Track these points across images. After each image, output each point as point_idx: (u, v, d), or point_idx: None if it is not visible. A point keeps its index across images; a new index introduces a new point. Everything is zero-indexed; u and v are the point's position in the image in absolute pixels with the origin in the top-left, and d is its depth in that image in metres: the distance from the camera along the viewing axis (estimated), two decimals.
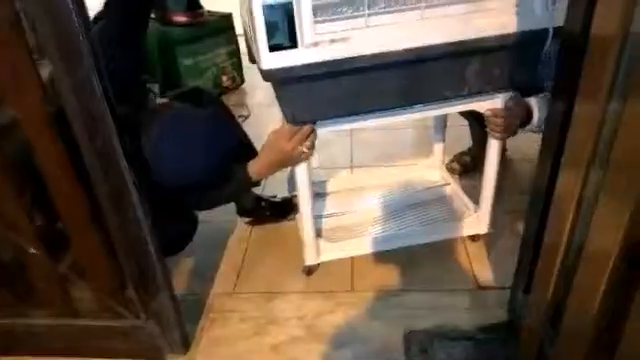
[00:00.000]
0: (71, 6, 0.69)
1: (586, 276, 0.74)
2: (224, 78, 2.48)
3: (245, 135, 1.35)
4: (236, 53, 2.50)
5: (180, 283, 1.28)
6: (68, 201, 0.93)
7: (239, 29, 2.49)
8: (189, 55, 2.28)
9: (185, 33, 2.24)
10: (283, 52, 0.83)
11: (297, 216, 1.39)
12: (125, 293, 1.03)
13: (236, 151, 1.20)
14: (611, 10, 0.61)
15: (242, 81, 2.58)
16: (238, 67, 2.54)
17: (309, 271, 1.25)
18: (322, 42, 0.84)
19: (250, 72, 2.57)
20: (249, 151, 1.28)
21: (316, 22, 0.83)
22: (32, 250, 1.00)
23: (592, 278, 0.71)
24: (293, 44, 0.83)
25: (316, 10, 0.82)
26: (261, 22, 0.80)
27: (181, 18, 2.19)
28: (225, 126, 1.25)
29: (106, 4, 1.18)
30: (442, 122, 1.47)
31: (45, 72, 0.82)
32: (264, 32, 0.81)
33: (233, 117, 1.38)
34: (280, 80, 0.89)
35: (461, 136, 1.68)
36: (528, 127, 1.12)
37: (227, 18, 2.44)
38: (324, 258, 1.23)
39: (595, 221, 0.70)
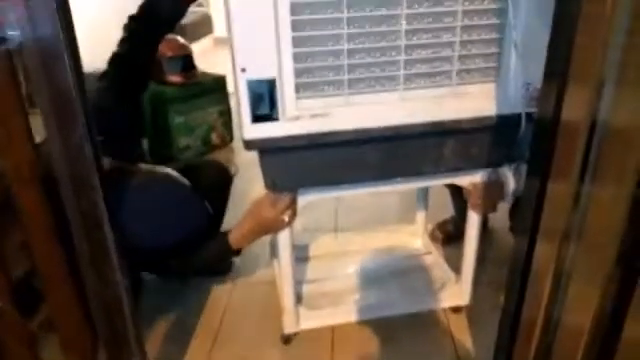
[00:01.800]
0: (70, 80, 0.72)
1: (562, 351, 0.74)
2: (214, 136, 2.53)
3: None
4: (227, 112, 2.57)
5: (153, 348, 1.23)
6: (46, 258, 0.91)
7: (231, 89, 2.58)
8: (181, 113, 2.34)
9: (178, 92, 2.30)
10: (265, 124, 0.87)
11: (278, 281, 1.38)
12: (96, 357, 0.99)
13: (204, 229, 1.24)
14: (578, 100, 0.66)
15: (231, 139, 2.63)
16: (228, 126, 2.60)
17: (287, 339, 1.22)
18: (303, 116, 0.88)
19: (240, 132, 2.62)
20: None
21: (298, 98, 0.87)
22: (3, 305, 0.96)
23: (568, 353, 0.71)
24: (275, 117, 0.86)
25: (298, 87, 0.86)
26: (245, 95, 0.84)
27: (176, 78, 2.26)
28: (198, 207, 1.28)
29: (111, 64, 1.25)
30: (424, 192, 1.50)
31: (38, 134, 0.84)
32: (247, 104, 0.85)
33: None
34: (262, 149, 0.93)
35: (445, 203, 1.71)
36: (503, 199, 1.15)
37: (221, 79, 2.53)
38: (304, 326, 1.20)
39: (570, 295, 0.72)
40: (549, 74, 0.74)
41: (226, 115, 2.57)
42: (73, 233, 0.85)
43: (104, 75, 1.26)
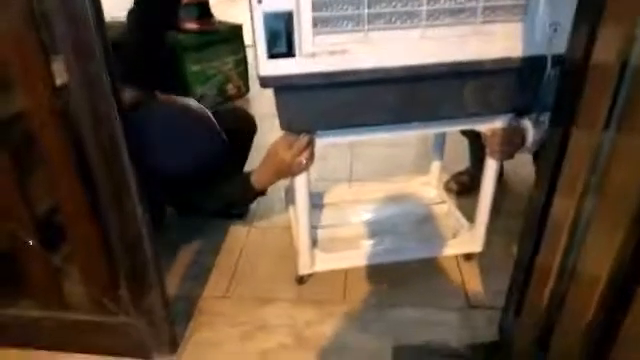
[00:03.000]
0: (88, 9, 0.71)
1: (576, 299, 0.75)
2: (230, 86, 2.51)
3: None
4: (243, 62, 2.54)
5: (172, 283, 1.28)
6: (68, 193, 0.94)
7: (248, 40, 2.54)
8: (196, 62, 2.31)
9: (194, 40, 2.27)
10: (281, 60, 0.85)
11: (293, 225, 1.40)
12: (117, 289, 1.03)
13: (221, 156, 1.25)
14: (611, 40, 0.63)
15: (247, 90, 2.61)
16: (244, 76, 2.57)
17: (301, 280, 1.26)
18: (320, 53, 0.85)
19: (256, 82, 2.60)
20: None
21: (315, 33, 0.84)
22: (29, 240, 1.00)
23: (582, 301, 0.72)
24: (291, 53, 0.84)
25: (316, 22, 0.83)
26: (261, 29, 0.82)
27: (192, 25, 2.22)
28: (216, 134, 1.29)
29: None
30: (441, 140, 1.49)
31: (57, 66, 0.84)
32: (263, 39, 0.83)
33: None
34: (277, 87, 0.91)
35: (460, 155, 1.70)
36: (522, 148, 1.14)
37: (237, 28, 2.49)
38: (318, 268, 1.23)
39: (587, 246, 0.71)
40: (581, 13, 0.71)
41: (242, 65, 2.54)
42: (93, 168, 0.86)
43: (132, 11, 1.25)
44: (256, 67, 0.87)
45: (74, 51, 0.76)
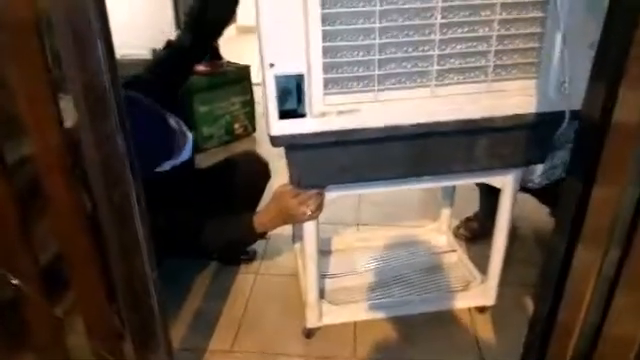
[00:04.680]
0: (103, 67, 0.72)
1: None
2: (236, 126, 2.53)
3: None
4: (250, 102, 2.57)
5: (177, 334, 1.25)
6: (74, 245, 0.92)
7: (255, 79, 2.58)
8: (205, 102, 2.34)
9: (204, 82, 2.31)
10: (292, 120, 0.85)
11: (301, 274, 1.38)
12: (122, 346, 1.01)
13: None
14: (633, 100, 0.63)
15: (254, 129, 2.63)
16: (251, 116, 2.60)
17: (309, 333, 1.22)
18: (331, 113, 0.86)
19: (262, 121, 2.63)
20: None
21: (326, 94, 0.85)
22: (31, 290, 0.98)
23: None
24: (302, 113, 0.85)
25: (327, 83, 0.84)
26: (272, 90, 0.82)
27: (201, 68, 2.27)
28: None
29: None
30: (450, 188, 1.48)
31: (69, 121, 0.84)
32: (274, 100, 0.83)
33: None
34: (288, 146, 0.91)
35: (468, 199, 1.68)
36: (528, 179, 1.12)
37: (245, 69, 2.53)
38: (326, 321, 1.20)
39: (616, 303, 0.69)
40: (599, 72, 0.71)
41: (249, 105, 2.57)
42: (102, 224, 0.85)
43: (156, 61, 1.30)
44: (267, 126, 0.87)
45: (87, 109, 0.76)
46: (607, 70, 0.69)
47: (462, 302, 1.27)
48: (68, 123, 0.84)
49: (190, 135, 1.26)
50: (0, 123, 0.83)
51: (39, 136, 0.83)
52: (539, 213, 1.58)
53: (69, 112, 0.81)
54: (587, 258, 0.74)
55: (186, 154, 1.24)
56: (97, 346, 1.04)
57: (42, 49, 0.76)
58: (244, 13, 1.24)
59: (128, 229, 0.82)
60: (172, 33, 1.31)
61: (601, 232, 0.71)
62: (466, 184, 1.58)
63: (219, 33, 1.24)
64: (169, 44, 1.27)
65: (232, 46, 3.65)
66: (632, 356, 0.64)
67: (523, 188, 1.26)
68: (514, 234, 1.65)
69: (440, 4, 0.81)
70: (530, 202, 1.43)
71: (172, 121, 1.22)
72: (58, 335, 1.05)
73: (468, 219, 1.67)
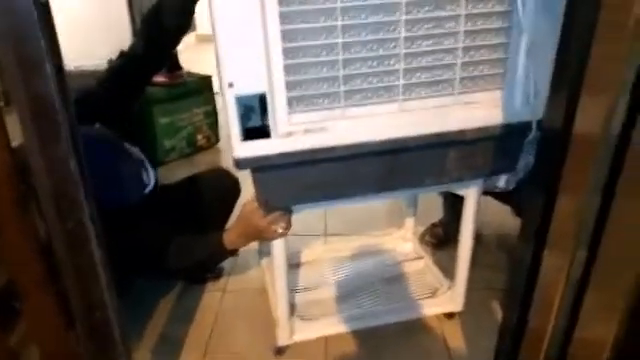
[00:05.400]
0: (52, 88, 0.68)
1: None
2: (199, 137, 2.48)
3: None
4: (213, 112, 2.53)
5: (144, 358, 1.20)
6: (27, 273, 0.87)
7: (217, 88, 2.53)
8: (166, 114, 2.28)
9: (163, 93, 2.25)
10: (256, 141, 0.82)
11: (269, 290, 1.36)
12: None
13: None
14: (592, 109, 0.65)
15: (217, 140, 2.58)
16: (214, 127, 2.55)
17: (280, 351, 1.20)
18: (297, 132, 0.83)
19: (225, 131, 2.58)
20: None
21: (291, 112, 0.82)
22: None
23: None
24: (267, 134, 0.82)
25: (291, 101, 0.82)
26: (233, 111, 0.79)
27: (161, 79, 2.21)
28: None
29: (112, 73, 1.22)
30: (413, 196, 1.49)
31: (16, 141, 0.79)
32: (236, 121, 0.80)
33: None
34: (254, 168, 0.88)
35: (432, 206, 1.70)
36: (492, 184, 1.14)
37: (206, 79, 2.49)
38: (297, 338, 1.18)
39: (586, 307, 0.70)
40: (559, 83, 0.73)
41: (212, 116, 2.52)
42: (56, 250, 0.81)
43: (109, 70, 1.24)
44: (231, 148, 0.84)
45: (36, 132, 0.71)
46: (567, 80, 0.71)
47: (431, 309, 1.29)
48: (15, 142, 0.79)
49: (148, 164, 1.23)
50: None
51: None
52: (501, 217, 1.62)
53: (17, 130, 0.76)
54: (554, 264, 0.76)
55: (152, 181, 1.22)
56: None
57: None
58: (203, 22, 1.21)
59: (84, 256, 0.78)
60: (128, 42, 1.25)
61: (567, 238, 0.72)
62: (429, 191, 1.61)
63: (175, 42, 1.20)
64: (122, 54, 1.22)
65: (192, 55, 3.59)
66: (604, 359, 0.65)
67: (486, 192, 1.29)
68: (478, 239, 1.68)
69: (404, 17, 0.80)
70: (492, 206, 1.46)
71: (134, 150, 1.19)
72: None
73: (433, 225, 1.70)
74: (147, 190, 1.22)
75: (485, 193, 1.28)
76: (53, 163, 0.72)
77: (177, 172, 2.07)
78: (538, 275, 0.82)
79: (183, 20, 1.13)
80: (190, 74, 2.46)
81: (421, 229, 1.67)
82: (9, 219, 0.80)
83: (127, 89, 1.24)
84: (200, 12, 1.16)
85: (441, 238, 1.65)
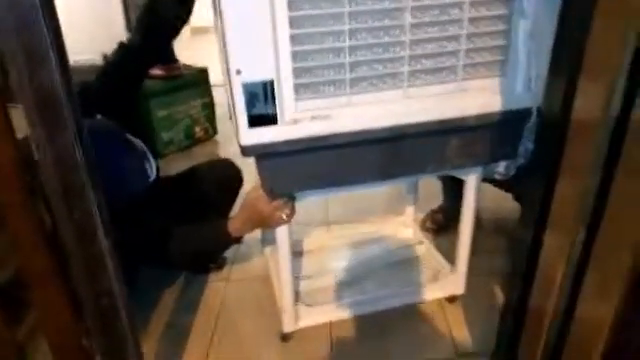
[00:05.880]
0: (57, 80, 0.68)
1: (578, 346, 0.74)
2: (197, 129, 2.48)
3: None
4: (210, 105, 2.52)
5: (149, 349, 1.21)
6: (34, 264, 0.88)
7: (214, 80, 2.53)
8: (163, 107, 2.28)
9: (160, 85, 2.25)
10: (263, 128, 0.83)
11: (273, 278, 1.37)
12: None
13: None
14: (591, 93, 0.66)
15: (215, 132, 2.58)
16: (212, 118, 2.55)
17: (286, 337, 1.21)
18: (303, 119, 0.84)
19: (223, 123, 2.58)
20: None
21: (297, 100, 0.83)
22: None
23: (585, 349, 0.72)
24: (273, 121, 0.82)
25: (298, 88, 0.82)
26: (240, 98, 0.79)
27: (157, 71, 2.20)
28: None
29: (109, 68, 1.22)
30: (414, 181, 1.50)
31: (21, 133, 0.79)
32: (243, 108, 0.80)
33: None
34: (259, 155, 0.89)
35: (433, 191, 1.72)
36: (491, 169, 1.14)
37: (203, 72, 2.48)
38: (302, 324, 1.20)
39: (586, 287, 0.72)
40: (557, 68, 0.74)
41: (209, 108, 2.52)
42: (64, 241, 0.81)
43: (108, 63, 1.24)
44: (236, 136, 0.85)
45: (42, 124, 0.72)
46: (565, 64, 0.72)
47: (433, 293, 1.30)
48: (20, 134, 0.79)
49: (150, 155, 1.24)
50: None
51: None
52: (498, 202, 1.63)
53: (22, 123, 0.77)
54: (555, 245, 0.77)
55: (154, 172, 1.23)
56: None
57: None
58: (198, 14, 1.21)
59: (91, 246, 0.79)
60: (123, 36, 1.24)
61: (567, 220, 0.74)
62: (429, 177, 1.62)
63: (174, 32, 1.20)
64: (121, 46, 1.22)
65: (186, 47, 3.57)
66: (604, 337, 0.67)
67: (485, 179, 1.30)
68: (478, 224, 1.70)
69: (410, 4, 0.80)
70: (490, 192, 1.48)
71: (137, 142, 1.19)
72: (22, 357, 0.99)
73: (433, 211, 1.71)
74: (150, 181, 1.23)
75: (484, 180, 1.29)
76: (59, 153, 0.73)
77: (176, 164, 2.07)
78: (539, 256, 0.83)
79: (182, 10, 1.13)
80: (187, 67, 2.45)
81: (421, 215, 1.68)
82: (16, 210, 0.80)
83: (126, 82, 1.25)
84: (195, 4, 1.16)
85: (441, 224, 1.67)
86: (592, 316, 0.70)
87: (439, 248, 1.45)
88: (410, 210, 1.58)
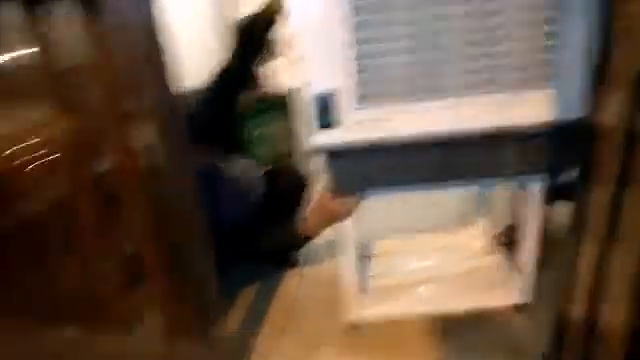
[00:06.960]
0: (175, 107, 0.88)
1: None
2: (280, 148, 2.72)
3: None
4: (291, 126, 2.76)
5: (234, 323, 1.40)
6: (146, 248, 1.07)
7: (295, 105, 2.77)
8: (256, 126, 2.56)
9: (254, 106, 2.54)
10: (330, 131, 1.00)
11: (343, 276, 1.48)
12: (188, 325, 1.13)
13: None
14: (613, 104, 0.70)
15: (294, 151, 2.80)
16: (291, 139, 2.78)
17: (351, 329, 1.31)
18: (365, 123, 1.00)
19: (300, 143, 2.81)
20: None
21: (360, 108, 0.99)
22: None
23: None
24: (339, 125, 1.00)
25: (361, 97, 0.98)
26: (310, 105, 0.99)
27: (252, 93, 2.49)
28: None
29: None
30: (483, 196, 1.54)
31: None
32: (313, 114, 1.00)
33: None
34: (326, 154, 1.06)
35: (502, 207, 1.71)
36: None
37: (286, 95, 2.73)
38: (366, 316, 1.29)
39: (609, 296, 0.74)
40: (601, 78, 0.77)
41: (290, 129, 2.75)
42: (171, 232, 1.00)
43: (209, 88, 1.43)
44: (308, 138, 1.03)
45: (160, 130, 0.91)
46: (610, 75, 0.75)
47: (500, 300, 1.32)
48: (139, 145, 0.99)
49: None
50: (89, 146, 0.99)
51: (117, 157, 0.99)
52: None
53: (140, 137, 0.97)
54: (589, 254, 0.79)
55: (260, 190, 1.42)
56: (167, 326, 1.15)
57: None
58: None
59: (194, 235, 0.97)
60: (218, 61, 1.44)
61: (598, 231, 0.76)
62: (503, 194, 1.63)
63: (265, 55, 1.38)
64: (222, 71, 1.40)
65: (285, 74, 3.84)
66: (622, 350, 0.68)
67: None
68: (553, 238, 1.66)
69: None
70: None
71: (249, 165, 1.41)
72: (137, 317, 1.17)
73: (508, 227, 1.71)
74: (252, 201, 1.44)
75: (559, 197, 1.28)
76: (171, 158, 0.92)
77: None
78: (601, 270, 0.83)
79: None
80: (274, 89, 2.72)
81: (495, 229, 1.69)
82: (134, 204, 0.99)
83: (228, 105, 1.45)
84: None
85: (514, 239, 1.66)
86: (613, 325, 0.71)
87: (509, 260, 1.46)
88: (480, 222, 1.61)
